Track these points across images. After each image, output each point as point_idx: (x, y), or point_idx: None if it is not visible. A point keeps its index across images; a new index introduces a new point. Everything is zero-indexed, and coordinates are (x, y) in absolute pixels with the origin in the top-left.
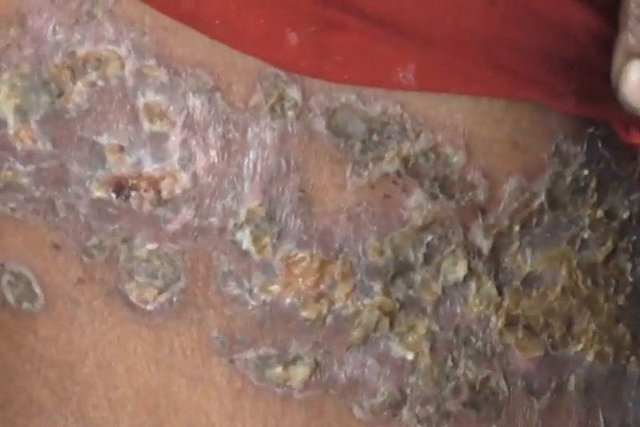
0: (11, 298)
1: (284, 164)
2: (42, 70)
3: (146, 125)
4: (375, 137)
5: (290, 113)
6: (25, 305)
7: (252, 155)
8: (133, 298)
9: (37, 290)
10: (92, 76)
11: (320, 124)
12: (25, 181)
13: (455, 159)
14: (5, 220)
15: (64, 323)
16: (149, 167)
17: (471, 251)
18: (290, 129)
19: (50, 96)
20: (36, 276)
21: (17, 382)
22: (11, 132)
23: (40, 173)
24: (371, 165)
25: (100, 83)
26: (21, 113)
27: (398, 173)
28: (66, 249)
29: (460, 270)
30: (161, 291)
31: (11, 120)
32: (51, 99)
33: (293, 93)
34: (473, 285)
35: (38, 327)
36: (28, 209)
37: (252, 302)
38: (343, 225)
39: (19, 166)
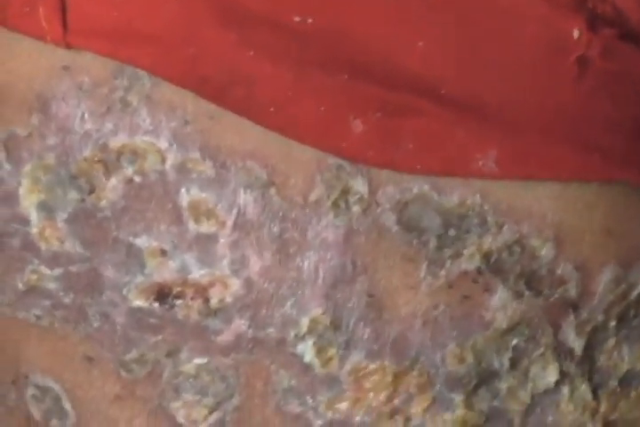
0: (37, 413)
1: (349, 265)
2: (69, 163)
3: (191, 226)
4: (452, 231)
5: (355, 208)
6: (54, 422)
7: (312, 256)
8: (180, 418)
9: (68, 406)
10: (128, 170)
11: (390, 220)
12: (52, 285)
13: (543, 252)
14: (29, 327)
15: None
16: (196, 273)
17: (562, 352)
18: (355, 226)
19: (79, 192)
20: (65, 390)
21: None
22: (34, 230)
23: (69, 277)
24: (448, 262)
25: (138, 179)
26: (46, 210)
27: (479, 271)
28: (101, 362)
29: (551, 375)
30: (212, 410)
31: (34, 217)
32: (80, 195)
33: (359, 186)
34: (566, 389)
35: None
36: (56, 316)
37: (318, 422)
38: (418, 331)
39: (44, 269)
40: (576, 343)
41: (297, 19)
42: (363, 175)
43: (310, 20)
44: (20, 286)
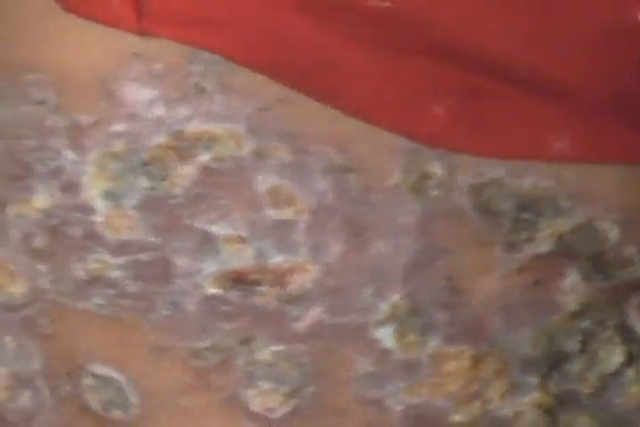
0: (95, 404)
1: (427, 249)
2: (139, 150)
3: (269, 212)
4: (526, 215)
5: (433, 192)
6: (115, 413)
7: (391, 241)
8: (255, 406)
9: (133, 397)
10: (204, 157)
11: (466, 204)
12: (117, 274)
13: (611, 234)
14: (90, 317)
15: None
16: (274, 259)
17: (628, 334)
18: (433, 210)
19: (150, 179)
20: (130, 381)
21: None
22: (99, 219)
23: (137, 265)
24: (522, 246)
25: (214, 165)
26: (113, 198)
27: (552, 254)
28: (171, 351)
29: (618, 357)
30: (288, 398)
31: (99, 206)
32: (151, 183)
33: (436, 170)
34: (631, 371)
35: None
36: (122, 306)
37: (397, 407)
38: (493, 315)
39: (109, 258)
40: None
41: (373, 2)
42: (440, 159)
43: (387, 4)
44: (82, 275)
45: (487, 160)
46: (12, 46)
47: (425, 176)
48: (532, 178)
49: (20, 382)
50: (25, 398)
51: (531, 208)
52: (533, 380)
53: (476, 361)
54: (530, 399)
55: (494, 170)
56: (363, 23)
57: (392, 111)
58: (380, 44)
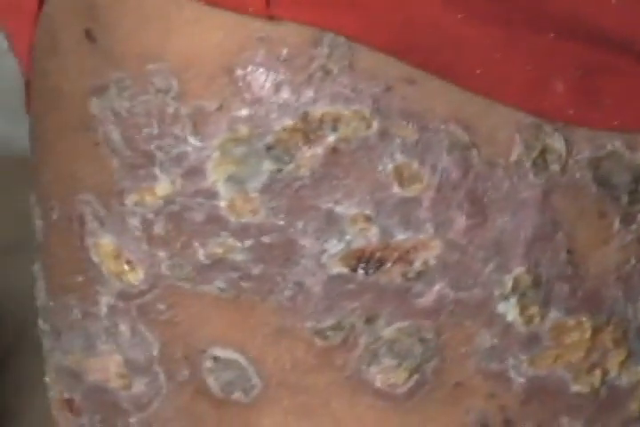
0: (215, 387)
1: (548, 223)
2: (264, 134)
3: (396, 190)
4: None
5: (553, 166)
6: (236, 395)
7: (513, 216)
8: (378, 383)
9: (254, 378)
10: (331, 138)
11: (585, 177)
12: (240, 257)
13: None
14: (212, 301)
15: (291, 415)
16: (399, 237)
17: None
18: (554, 184)
19: (275, 162)
20: (252, 362)
21: None
22: (223, 203)
23: (260, 248)
24: (638, 217)
25: (340, 146)
26: (237, 182)
27: None
28: (293, 331)
29: None
30: (412, 373)
31: (223, 190)
32: (276, 165)
33: (557, 145)
34: None
35: (254, 419)
36: (243, 288)
37: (519, 379)
38: (611, 286)
39: (232, 241)
40: None
41: None
42: (560, 134)
43: None
44: (203, 259)
45: (605, 133)
46: (133, 39)
47: (545, 151)
48: None
49: (136, 369)
50: (140, 385)
51: None
52: None
53: (596, 331)
54: None
55: (612, 143)
56: (486, 1)
57: (514, 87)
58: (503, 21)
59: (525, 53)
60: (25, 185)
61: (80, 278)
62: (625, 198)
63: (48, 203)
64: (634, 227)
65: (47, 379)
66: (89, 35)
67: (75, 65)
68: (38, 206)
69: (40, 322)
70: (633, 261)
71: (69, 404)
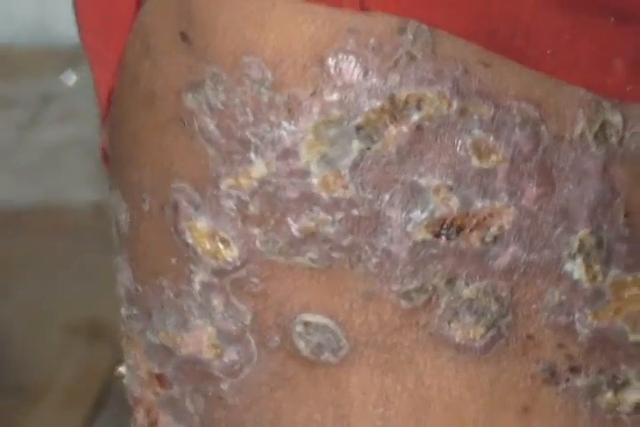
0: (305, 349)
1: (608, 190)
2: (354, 116)
3: (474, 163)
4: None
5: (612, 139)
6: (325, 355)
7: (578, 184)
8: (458, 338)
9: (342, 339)
10: (415, 118)
11: (638, 149)
12: (331, 230)
13: None
14: (303, 271)
15: (377, 371)
16: (477, 205)
17: None
18: (612, 155)
19: (364, 141)
20: (340, 325)
21: None
22: (315, 181)
23: (349, 220)
24: None
25: (425, 123)
26: (328, 161)
27: None
28: (380, 295)
29: None
30: (488, 329)
31: (315, 169)
32: (365, 144)
33: (615, 120)
34: None
35: (343, 377)
36: (333, 258)
37: (584, 331)
38: None
39: (323, 215)
40: None
41: None
42: (617, 109)
43: None
44: (296, 233)
45: None
46: (228, 36)
47: (605, 125)
48: None
49: (228, 339)
50: (232, 354)
51: None
52: None
53: None
54: None
55: None
56: None
57: (580, 67)
58: (570, 7)
59: (590, 36)
60: None
61: (173, 260)
62: None
63: (139, 196)
64: None
65: (122, 369)
66: (184, 36)
67: (168, 65)
68: (124, 202)
69: (123, 309)
70: None
71: (159, 378)
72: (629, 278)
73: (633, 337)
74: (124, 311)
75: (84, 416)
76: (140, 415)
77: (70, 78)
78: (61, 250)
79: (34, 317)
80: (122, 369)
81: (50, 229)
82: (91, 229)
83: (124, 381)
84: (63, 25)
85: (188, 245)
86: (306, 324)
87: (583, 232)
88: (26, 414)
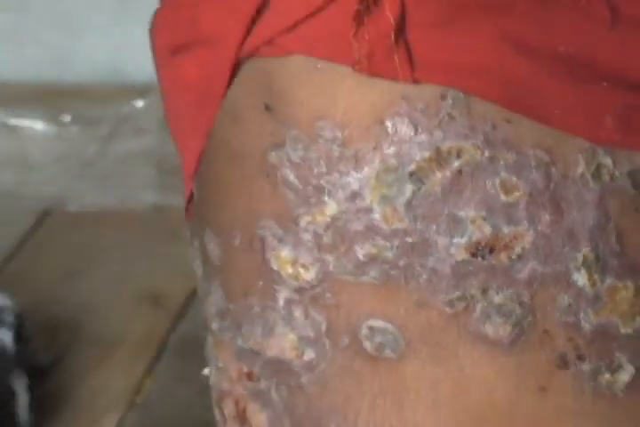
0: (370, 347)
1: (602, 217)
2: (407, 164)
3: (501, 197)
4: None
5: (605, 177)
6: (387, 353)
7: (580, 211)
8: (491, 335)
9: (399, 339)
10: (455, 164)
11: (626, 183)
12: (389, 254)
13: None
14: (367, 287)
15: (428, 363)
16: (504, 230)
17: None
18: (606, 189)
19: (415, 184)
20: (397, 328)
21: (369, 421)
22: (376, 216)
23: (404, 246)
24: None
25: (464, 168)
26: (387, 200)
27: None
28: (429, 304)
29: None
30: (514, 327)
31: (376, 206)
32: (417, 186)
33: (606, 162)
34: None
35: (401, 369)
36: (391, 275)
37: (587, 326)
38: None
39: (383, 243)
40: None
41: (563, 49)
42: (608, 154)
43: (571, 50)
44: (362, 258)
45: (637, 153)
46: (305, 105)
47: (599, 166)
48: None
49: (307, 342)
50: (310, 353)
51: None
52: None
53: (636, 291)
54: None
55: None
56: (561, 64)
57: (579, 122)
58: (572, 76)
59: (587, 99)
60: None
61: (260, 283)
62: None
63: (230, 233)
64: None
65: (207, 371)
66: (267, 107)
67: (254, 130)
68: (216, 238)
69: (214, 323)
70: None
71: (249, 375)
72: (620, 285)
73: (624, 330)
74: (215, 325)
75: (148, 365)
76: (227, 406)
77: (139, 103)
78: (130, 240)
79: (111, 290)
80: (206, 371)
81: (121, 224)
82: (151, 224)
83: (210, 382)
84: (132, 66)
85: (273, 270)
86: (370, 328)
87: (585, 249)
88: (105, 361)
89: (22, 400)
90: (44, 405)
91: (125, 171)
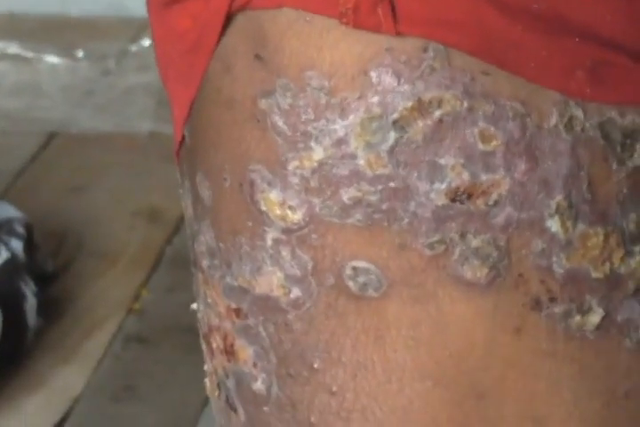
0: (354, 287)
1: (574, 165)
2: (391, 113)
3: (479, 146)
4: (628, 140)
5: (577, 128)
6: (370, 292)
7: (554, 161)
8: (468, 276)
9: (382, 280)
10: (437, 113)
11: (596, 134)
12: (373, 198)
13: None
14: (351, 229)
15: (408, 303)
16: (482, 177)
17: None
18: (577, 139)
19: (398, 131)
20: (379, 269)
21: (352, 357)
22: (361, 162)
23: (387, 190)
24: (627, 160)
25: (443, 118)
26: (371, 147)
27: None
28: (410, 246)
29: None
30: (490, 269)
31: (361, 153)
32: (400, 134)
33: (578, 113)
34: None
35: (382, 308)
36: (375, 219)
37: (559, 270)
38: (613, 207)
39: (367, 187)
40: None
41: (535, 5)
42: (579, 106)
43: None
44: (347, 201)
45: (607, 106)
46: (294, 55)
47: (572, 118)
48: (630, 118)
49: (293, 281)
50: (297, 291)
51: (630, 137)
52: (637, 248)
53: (606, 237)
54: (636, 261)
55: (610, 112)
56: (535, 18)
57: (552, 75)
58: (546, 30)
59: (560, 53)
60: None
61: (250, 223)
62: (619, 148)
63: (220, 176)
64: (624, 168)
65: (195, 305)
66: (258, 57)
67: (245, 78)
68: (207, 180)
69: (204, 261)
70: (624, 190)
71: (236, 312)
72: (591, 231)
73: (594, 274)
74: (205, 263)
75: (145, 274)
76: (215, 340)
77: (146, 42)
78: (128, 161)
79: (111, 205)
80: (194, 306)
81: (120, 147)
82: (148, 148)
83: (198, 314)
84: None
85: (262, 211)
86: (354, 268)
87: (559, 197)
88: (106, 271)
89: (30, 305)
90: (49, 310)
91: (126, 100)
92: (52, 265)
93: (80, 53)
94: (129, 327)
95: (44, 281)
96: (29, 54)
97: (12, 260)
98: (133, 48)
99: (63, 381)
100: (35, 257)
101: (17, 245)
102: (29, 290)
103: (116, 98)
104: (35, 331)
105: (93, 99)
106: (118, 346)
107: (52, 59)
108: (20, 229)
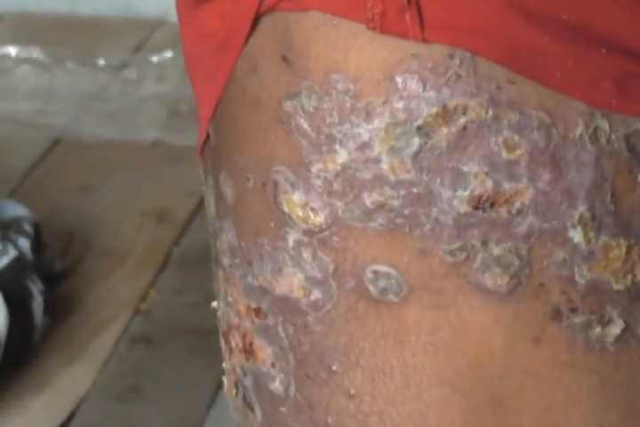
0: (374, 291)
1: (599, 176)
2: (415, 119)
3: (504, 155)
4: None
5: (602, 140)
6: (390, 297)
7: (578, 171)
8: (489, 284)
9: (402, 285)
10: (461, 121)
11: (621, 146)
12: (395, 203)
13: None
14: (373, 233)
15: (428, 309)
16: (505, 186)
17: None
18: (602, 151)
19: (422, 137)
20: (400, 273)
21: (371, 360)
22: (384, 166)
23: (409, 195)
24: None
25: (468, 125)
26: (395, 151)
27: None
28: (431, 252)
29: None
30: (511, 278)
31: (385, 157)
32: (424, 140)
33: (604, 125)
34: None
35: (402, 313)
36: (396, 223)
37: (580, 281)
38: (637, 219)
39: (390, 192)
40: None
41: (564, 16)
42: (605, 117)
43: (572, 17)
44: (369, 205)
45: (632, 118)
46: (320, 58)
47: (597, 129)
48: None
49: (314, 282)
50: (317, 293)
51: None
52: None
53: (628, 249)
54: None
55: (637, 124)
56: (562, 28)
57: (579, 86)
58: (573, 40)
59: (587, 63)
60: None
61: (272, 224)
62: None
63: (244, 176)
64: None
65: (216, 303)
66: (284, 59)
67: (271, 80)
68: (231, 180)
69: (226, 259)
70: None
71: (256, 311)
72: (613, 243)
73: (616, 286)
74: (226, 261)
75: (153, 275)
76: (234, 339)
77: (169, 53)
78: (137, 161)
79: (120, 205)
80: (214, 304)
81: (126, 153)
82: (153, 154)
83: (218, 312)
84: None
85: (284, 212)
86: (375, 272)
87: (582, 208)
88: (114, 271)
89: (37, 303)
90: (57, 309)
91: (137, 109)
92: (59, 264)
93: (101, 61)
94: (136, 328)
95: (51, 280)
96: (48, 60)
97: (20, 258)
98: (154, 58)
99: (69, 381)
100: (43, 256)
101: (25, 244)
102: (37, 289)
103: (128, 106)
104: (41, 330)
105: (105, 106)
106: (125, 346)
107: (72, 65)
108: (29, 228)
